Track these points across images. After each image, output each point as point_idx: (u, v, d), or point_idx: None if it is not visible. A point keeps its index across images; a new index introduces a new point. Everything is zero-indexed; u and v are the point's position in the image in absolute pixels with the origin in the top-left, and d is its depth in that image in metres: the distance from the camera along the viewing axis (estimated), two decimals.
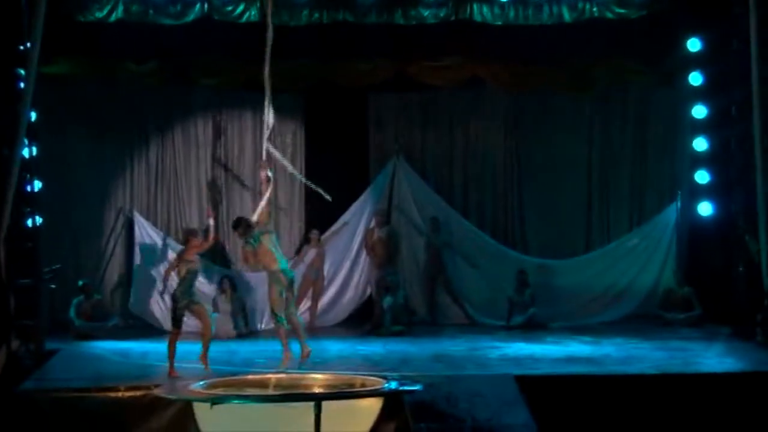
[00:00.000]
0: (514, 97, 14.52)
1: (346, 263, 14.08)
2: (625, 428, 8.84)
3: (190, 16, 12.36)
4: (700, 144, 13.77)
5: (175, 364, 9.68)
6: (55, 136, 13.14)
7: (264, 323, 13.38)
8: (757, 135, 11.35)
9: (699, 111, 13.73)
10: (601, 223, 14.56)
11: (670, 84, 14.06)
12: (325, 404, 6.68)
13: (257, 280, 13.84)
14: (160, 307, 13.08)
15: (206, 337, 9.87)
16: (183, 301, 9.77)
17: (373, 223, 13.95)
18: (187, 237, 10.27)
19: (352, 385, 7.43)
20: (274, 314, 10.04)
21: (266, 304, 13.36)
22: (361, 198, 14.15)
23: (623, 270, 13.96)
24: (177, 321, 9.85)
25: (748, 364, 10.19)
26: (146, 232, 13.66)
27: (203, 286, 13.30)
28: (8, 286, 10.38)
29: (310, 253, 13.80)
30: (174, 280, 10.07)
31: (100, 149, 13.97)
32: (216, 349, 11.43)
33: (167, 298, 10.72)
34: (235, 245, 14.31)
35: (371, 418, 7.19)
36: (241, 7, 12.46)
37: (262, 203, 10.06)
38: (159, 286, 11.64)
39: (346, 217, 14.04)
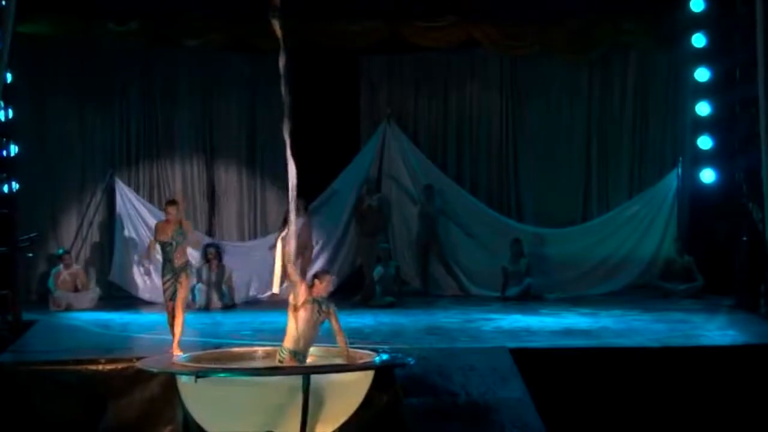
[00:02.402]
0: (510, 60, 14.32)
1: (336, 232, 13.84)
2: (624, 404, 8.61)
3: None
4: (703, 108, 13.54)
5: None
6: (33, 99, 12.95)
7: (254, 291, 13.22)
8: (762, 98, 11.17)
9: (702, 74, 13.48)
10: (600, 191, 14.35)
11: (671, 46, 13.84)
12: (314, 378, 6.59)
13: (245, 250, 13.60)
14: (142, 277, 12.78)
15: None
16: (167, 274, 9.35)
17: (363, 191, 13.64)
18: (165, 208, 9.89)
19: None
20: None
21: (254, 275, 13.23)
22: (351, 165, 13.92)
23: (622, 239, 13.79)
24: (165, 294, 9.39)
25: (751, 336, 10.00)
26: (128, 198, 13.43)
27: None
28: None
29: (297, 223, 13.42)
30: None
31: (81, 113, 13.69)
32: (201, 320, 11.26)
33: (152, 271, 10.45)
34: (220, 214, 14.05)
35: (361, 393, 7.06)
36: None
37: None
38: (142, 260, 11.56)
39: (335, 184, 13.81)
